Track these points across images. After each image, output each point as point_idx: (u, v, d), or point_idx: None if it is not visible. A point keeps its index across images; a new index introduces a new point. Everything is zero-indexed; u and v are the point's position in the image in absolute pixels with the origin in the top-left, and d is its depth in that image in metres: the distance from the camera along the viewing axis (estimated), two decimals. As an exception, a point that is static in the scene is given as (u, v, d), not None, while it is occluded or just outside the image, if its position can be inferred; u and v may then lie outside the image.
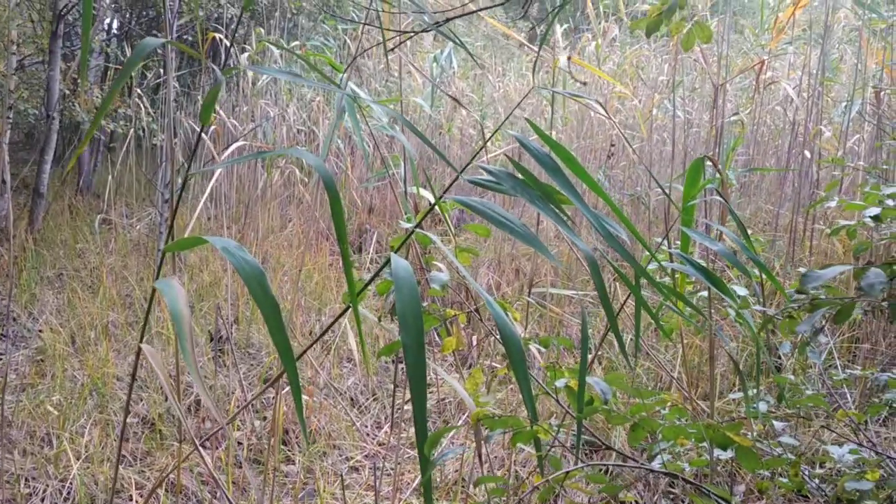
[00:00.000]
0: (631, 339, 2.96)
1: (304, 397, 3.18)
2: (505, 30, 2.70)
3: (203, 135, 3.86)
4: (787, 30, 3.67)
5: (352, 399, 3.51)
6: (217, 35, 4.35)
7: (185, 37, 6.20)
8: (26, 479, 2.61)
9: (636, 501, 1.61)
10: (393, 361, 4.11)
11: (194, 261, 4.54)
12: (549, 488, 1.17)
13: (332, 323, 1.32)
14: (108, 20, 8.98)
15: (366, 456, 3.08)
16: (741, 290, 1.60)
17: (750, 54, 5.29)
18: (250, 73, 4.53)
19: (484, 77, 7.40)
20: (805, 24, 5.12)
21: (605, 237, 1.06)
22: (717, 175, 1.50)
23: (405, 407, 3.62)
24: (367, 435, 3.25)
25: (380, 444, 3.20)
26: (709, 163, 1.53)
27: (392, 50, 2.40)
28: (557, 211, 1.09)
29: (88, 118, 5.52)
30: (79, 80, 5.50)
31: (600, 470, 1.31)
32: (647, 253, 1.41)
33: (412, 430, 3.32)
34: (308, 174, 5.35)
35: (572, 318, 3.03)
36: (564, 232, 1.04)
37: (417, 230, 1.14)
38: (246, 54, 4.31)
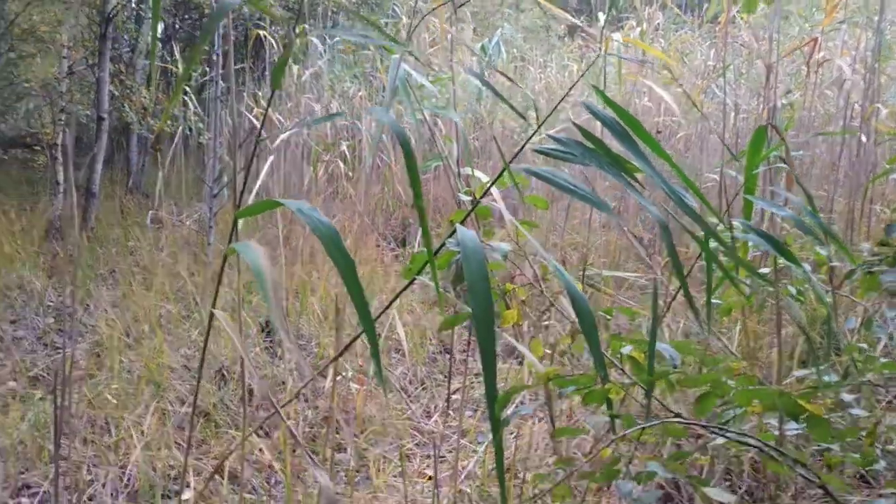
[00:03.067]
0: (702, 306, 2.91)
1: (354, 385, 3.20)
2: (555, 9, 2.67)
3: (255, 117, 3.90)
4: (840, 9, 3.58)
5: (402, 388, 3.52)
6: (261, 32, 4.40)
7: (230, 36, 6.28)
8: (87, 467, 2.66)
9: (710, 462, 1.57)
10: (441, 352, 4.11)
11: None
12: (614, 460, 1.15)
13: (397, 296, 1.32)
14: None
15: (416, 444, 3.08)
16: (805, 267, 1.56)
17: (798, 38, 5.18)
18: (295, 69, 4.59)
19: (525, 69, 7.36)
20: (855, 6, 4.99)
21: (675, 201, 1.04)
22: (781, 143, 1.46)
23: (454, 396, 3.63)
24: (418, 423, 3.26)
25: (430, 433, 3.21)
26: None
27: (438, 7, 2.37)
28: (627, 177, 1.08)
29: (137, 118, 5.63)
30: (127, 82, 5.62)
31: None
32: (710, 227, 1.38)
33: (463, 417, 3.32)
34: (353, 168, 5.38)
35: (625, 300, 3.00)
36: (636, 196, 1.02)
37: (480, 203, 1.14)
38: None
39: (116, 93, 5.56)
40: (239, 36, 6.05)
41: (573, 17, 3.63)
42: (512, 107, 1.05)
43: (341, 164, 5.26)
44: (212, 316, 1.13)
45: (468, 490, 2.58)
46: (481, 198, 1.13)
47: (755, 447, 1.09)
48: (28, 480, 2.69)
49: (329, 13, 6.63)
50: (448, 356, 4.11)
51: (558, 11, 3.40)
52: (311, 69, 4.69)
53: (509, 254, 1.22)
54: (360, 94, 5.57)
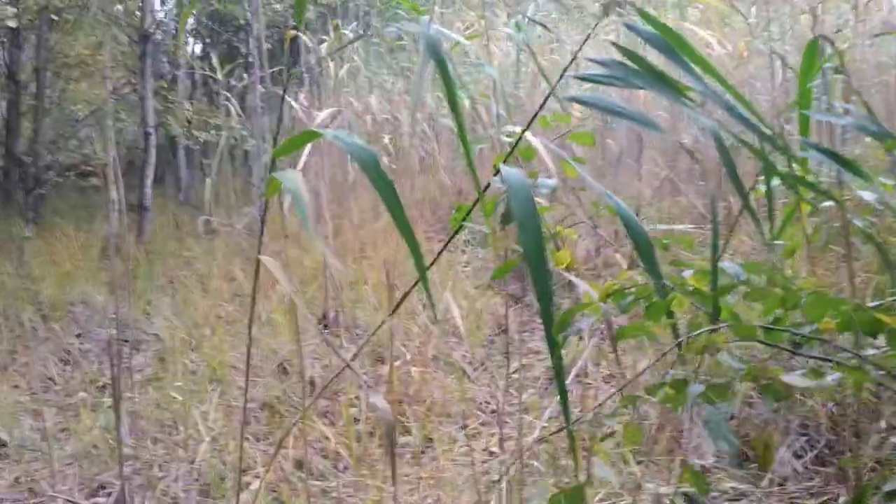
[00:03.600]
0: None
1: (414, 369, 3.19)
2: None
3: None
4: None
5: (462, 370, 3.49)
6: (296, 32, 4.42)
7: (265, 43, 6.37)
8: (159, 464, 2.71)
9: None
10: (498, 334, 4.07)
11: (295, 253, 4.64)
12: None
13: (450, 239, 1.29)
14: (189, 47, 9.33)
15: (481, 423, 3.05)
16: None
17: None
18: (331, 65, 4.62)
19: (559, 50, 7.26)
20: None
21: (728, 110, 0.99)
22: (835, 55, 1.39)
23: (514, 375, 3.59)
24: (480, 404, 3.23)
25: (493, 412, 3.17)
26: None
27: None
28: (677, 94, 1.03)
29: (183, 132, 5.74)
30: (169, 96, 5.73)
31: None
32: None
33: (524, 396, 3.28)
34: (396, 159, 5.38)
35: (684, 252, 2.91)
36: (686, 110, 0.98)
37: (523, 138, 1.10)
38: (324, 44, 4.38)
39: (160, 107, 5.68)
40: (274, 41, 6.13)
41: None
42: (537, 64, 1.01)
43: (385, 158, 5.26)
44: (258, 267, 1.11)
45: (535, 462, 2.54)
46: (523, 132, 1.09)
47: (842, 349, 1.03)
48: (103, 481, 2.75)
49: (361, 13, 6.66)
50: (506, 337, 4.08)
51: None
52: (347, 64, 4.71)
53: (557, 194, 1.19)
54: (397, 87, 5.57)
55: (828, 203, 1.67)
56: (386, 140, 5.16)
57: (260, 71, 4.60)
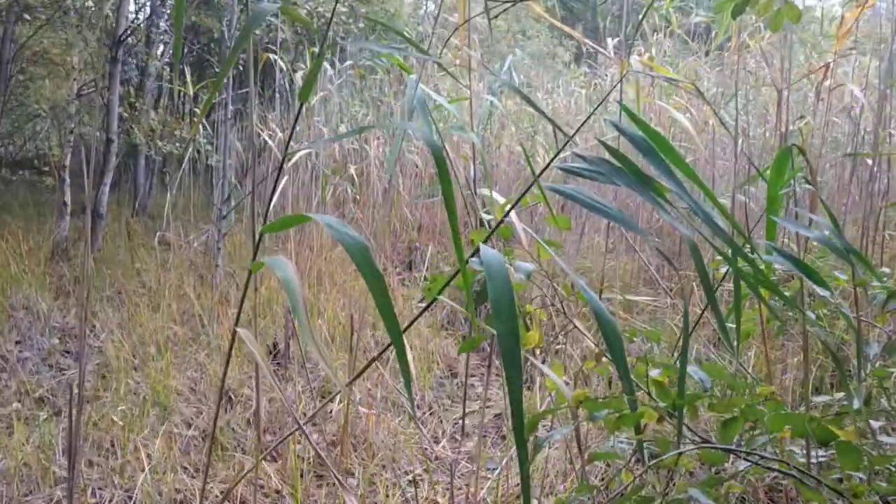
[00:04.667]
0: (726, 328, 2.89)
1: (363, 409, 3.16)
2: (558, 24, 2.64)
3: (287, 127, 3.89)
4: (849, 36, 3.59)
5: (407, 413, 3.48)
6: (271, 55, 4.43)
7: (239, 61, 6.32)
8: (93, 489, 2.62)
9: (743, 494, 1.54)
10: (448, 376, 4.08)
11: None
12: (637, 487, 1.12)
13: (415, 319, 1.30)
14: (160, 50, 9.23)
15: (425, 470, 3.04)
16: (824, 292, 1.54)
17: (807, 63, 5.20)
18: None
19: (532, 94, 7.40)
20: (863, 33, 5.01)
21: (705, 220, 1.02)
22: (804, 166, 1.45)
23: (460, 421, 3.59)
24: (426, 449, 3.22)
25: (437, 459, 3.16)
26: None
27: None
28: (656, 196, 1.06)
29: (146, 140, 5.65)
30: (137, 104, 5.64)
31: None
32: (725, 252, 1.36)
33: (470, 443, 3.28)
34: (360, 192, 5.38)
35: (641, 325, 2.97)
36: (664, 217, 1.01)
37: (503, 223, 1.12)
38: (300, 73, 4.38)
39: (126, 115, 5.59)
40: (247, 60, 6.09)
41: (582, 42, 3.64)
42: (554, 123, 1.04)
43: (349, 188, 5.26)
44: (234, 336, 1.11)
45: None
46: (504, 217, 1.11)
47: (789, 474, 1.06)
48: (31, 502, 2.65)
49: (337, 39, 6.67)
50: (455, 381, 4.08)
51: (574, 33, 3.39)
52: (321, 93, 4.71)
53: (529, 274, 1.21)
54: (368, 118, 5.59)
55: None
56: (352, 170, 5.17)
57: (231, 90, 4.56)
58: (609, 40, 4.66)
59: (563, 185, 1.08)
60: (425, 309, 1.26)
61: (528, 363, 1.70)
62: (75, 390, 1.75)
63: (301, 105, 1.19)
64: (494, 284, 0.98)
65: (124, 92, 5.75)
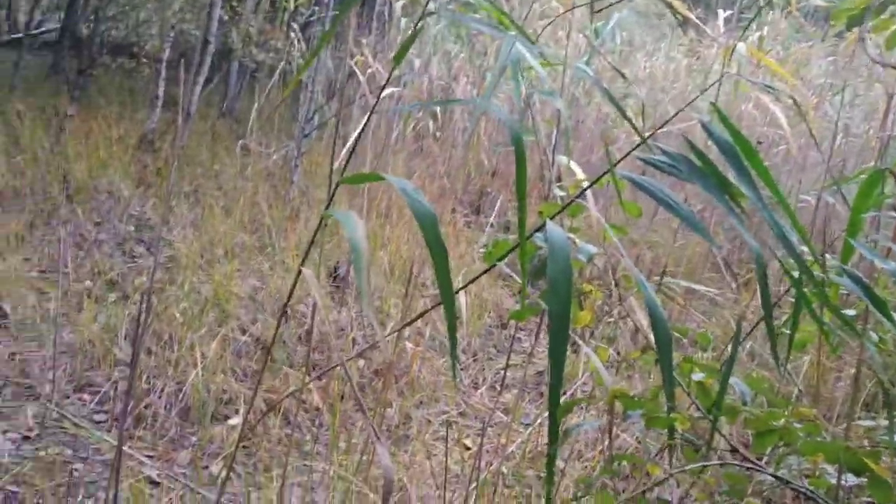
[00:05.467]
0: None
1: (409, 345, 3.24)
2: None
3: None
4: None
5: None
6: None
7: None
8: (147, 377, 2.77)
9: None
10: (498, 326, 4.11)
11: (317, 195, 4.67)
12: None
13: (473, 280, 1.32)
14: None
15: (460, 413, 3.11)
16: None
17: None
18: (403, 21, 4.59)
19: (631, 55, 7.18)
20: None
21: (779, 237, 1.00)
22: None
23: (502, 373, 3.65)
24: (464, 393, 3.29)
25: (473, 406, 3.23)
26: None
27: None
28: (731, 203, 1.05)
29: (241, 46, 5.72)
30: (238, 8, 5.70)
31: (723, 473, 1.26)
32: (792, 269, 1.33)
33: (508, 396, 3.33)
34: (441, 128, 5.38)
35: (696, 314, 2.94)
36: (738, 226, 0.99)
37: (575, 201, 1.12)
38: (400, 2, 4.35)
39: (226, 18, 5.66)
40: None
41: (690, 9, 3.50)
42: (626, 116, 1.03)
43: (430, 124, 5.26)
44: (304, 259, 1.14)
45: (504, 470, 2.59)
46: (577, 196, 1.11)
47: (815, 498, 1.06)
48: (91, 379, 2.83)
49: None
50: (503, 331, 4.12)
51: (677, 3, 3.27)
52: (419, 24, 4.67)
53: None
54: (461, 55, 5.54)
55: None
56: (436, 107, 5.15)
57: (331, 8, 4.57)
58: (720, 12, 4.47)
59: (638, 176, 1.07)
60: (483, 273, 1.28)
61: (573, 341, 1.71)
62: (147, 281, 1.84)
63: (397, 59, 1.20)
64: (555, 265, 0.99)
65: (228, -6, 5.81)
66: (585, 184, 1.17)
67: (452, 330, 0.89)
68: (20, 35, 8.95)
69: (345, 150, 2.81)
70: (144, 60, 6.94)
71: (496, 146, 5.34)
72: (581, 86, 5.97)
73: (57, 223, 4.14)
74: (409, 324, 1.55)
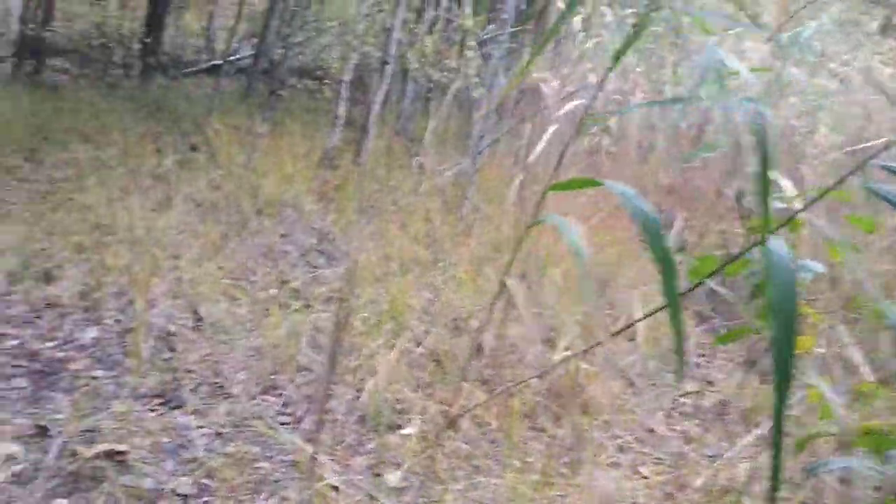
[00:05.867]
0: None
1: (585, 365, 3.14)
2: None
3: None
4: None
5: (628, 379, 3.42)
6: (551, -4, 4.37)
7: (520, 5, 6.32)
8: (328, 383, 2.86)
9: None
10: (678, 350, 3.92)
11: (489, 212, 4.69)
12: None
13: (683, 294, 1.23)
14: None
15: (636, 439, 2.98)
16: None
17: None
18: (580, 36, 4.53)
19: (821, 65, 6.70)
20: None
21: None
22: None
23: (681, 399, 3.46)
24: (642, 419, 3.15)
25: (650, 431, 3.08)
26: None
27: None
28: None
29: (418, 66, 5.89)
30: (416, 30, 5.87)
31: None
32: None
33: (687, 423, 3.16)
34: (615, 142, 5.25)
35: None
36: None
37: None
38: (579, 17, 4.30)
39: (404, 40, 5.84)
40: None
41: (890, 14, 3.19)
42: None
43: (605, 138, 5.15)
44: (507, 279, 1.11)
45: None
46: (801, 211, 1.00)
47: None
48: (276, 381, 2.96)
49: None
50: (683, 354, 3.92)
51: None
52: (594, 39, 4.60)
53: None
54: (637, 69, 5.39)
55: None
56: (612, 121, 5.04)
57: (507, 26, 4.59)
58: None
59: (883, 186, 0.95)
60: (690, 290, 1.19)
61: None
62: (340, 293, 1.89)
63: (609, 69, 1.14)
64: (778, 287, 0.90)
65: (405, 19, 6.00)
66: (816, 197, 1.06)
67: (679, 346, 0.82)
68: (219, 62, 9.71)
69: (533, 157, 2.78)
70: (327, 82, 7.32)
71: (675, 160, 5.13)
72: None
73: (247, 234, 4.41)
74: (591, 348, 1.47)
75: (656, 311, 1.46)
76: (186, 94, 9.14)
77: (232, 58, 11.00)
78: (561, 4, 4.45)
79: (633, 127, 5.05)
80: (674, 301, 0.81)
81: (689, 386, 3.62)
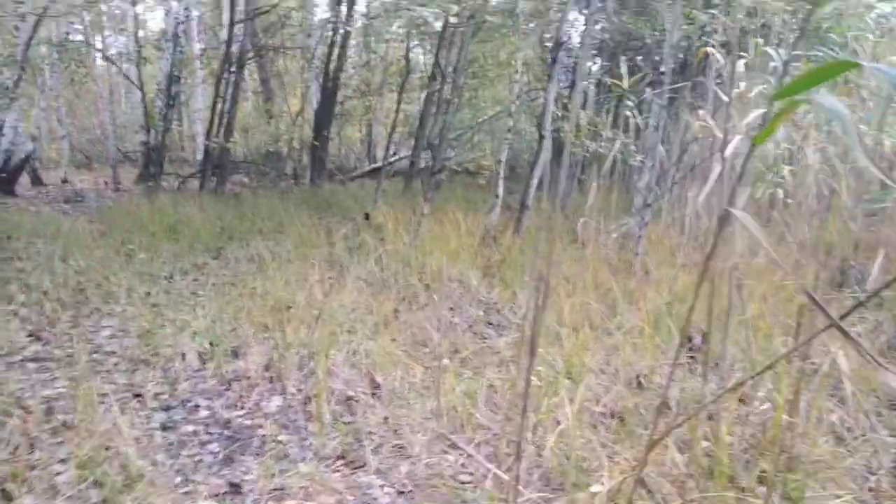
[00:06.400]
0: None
1: (786, 418, 2.86)
2: None
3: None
4: None
5: (836, 434, 3.07)
6: (709, 49, 4.28)
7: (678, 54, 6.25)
8: (507, 440, 2.77)
9: None
10: (890, 407, 3.50)
11: (666, 273, 4.50)
12: None
13: None
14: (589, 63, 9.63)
15: (856, 499, 2.63)
16: None
17: None
18: (742, 84, 4.37)
19: None
20: None
21: None
22: None
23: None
24: (857, 477, 2.80)
25: (873, 491, 2.73)
26: None
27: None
28: None
29: (573, 138, 5.91)
30: (569, 105, 5.93)
31: None
32: None
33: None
34: (793, 193, 4.94)
35: None
36: None
37: None
38: (742, 61, 4.15)
39: (558, 114, 5.91)
40: (687, 55, 6.02)
41: None
42: None
43: (779, 190, 4.86)
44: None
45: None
46: None
47: None
48: (455, 441, 2.90)
49: (787, 34, 6.21)
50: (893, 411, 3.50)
51: None
52: (761, 86, 4.42)
53: None
54: (808, 116, 5.09)
55: None
56: (786, 171, 4.76)
57: (663, 92, 4.51)
58: None
59: None
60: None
61: None
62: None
63: (755, 142, 1.05)
64: None
65: (558, 93, 6.08)
66: None
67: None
68: (379, 165, 10.25)
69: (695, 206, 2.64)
70: (480, 171, 7.50)
71: (862, 203, 4.74)
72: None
73: (417, 308, 4.47)
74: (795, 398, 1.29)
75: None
76: (353, 194, 9.67)
77: (392, 160, 11.60)
78: (719, 57, 4.34)
79: (809, 177, 4.74)
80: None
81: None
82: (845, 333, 0.79)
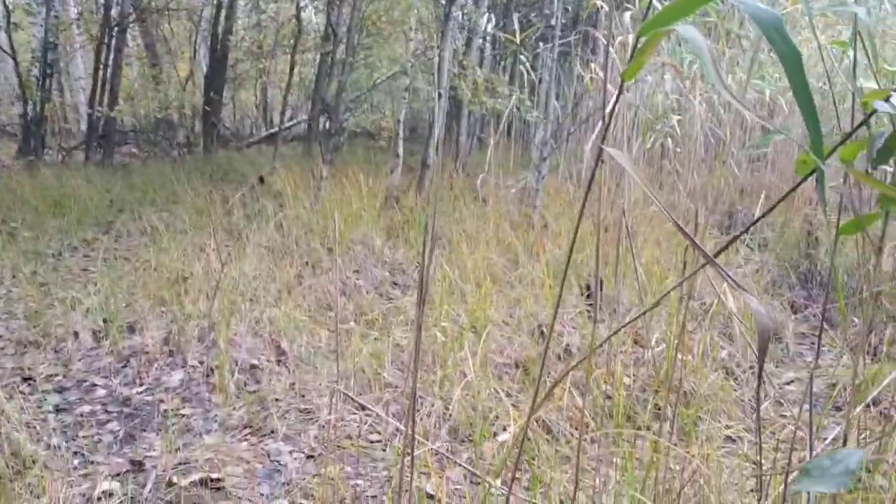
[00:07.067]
0: None
1: (681, 356, 2.99)
2: None
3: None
4: None
5: (726, 369, 3.25)
6: (598, 2, 4.34)
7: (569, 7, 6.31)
8: (415, 395, 2.80)
9: None
10: (774, 340, 3.73)
11: (564, 225, 4.60)
12: None
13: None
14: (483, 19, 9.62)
15: (745, 428, 2.80)
16: None
17: None
18: (630, 37, 4.45)
19: None
20: None
21: None
22: None
23: (788, 387, 3.28)
24: (745, 407, 2.98)
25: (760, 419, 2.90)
26: None
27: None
28: None
29: (470, 96, 5.91)
30: (464, 62, 5.92)
31: None
32: None
33: (796, 410, 2.96)
34: (681, 143, 5.12)
35: None
36: None
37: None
38: (629, 13, 4.24)
39: (455, 72, 5.89)
40: (578, 9, 6.09)
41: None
42: None
43: (668, 140, 5.02)
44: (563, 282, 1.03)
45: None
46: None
47: None
48: (363, 401, 2.91)
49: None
50: (780, 345, 3.73)
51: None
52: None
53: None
54: (694, 66, 5.27)
55: None
56: (674, 121, 4.92)
57: (554, 50, 4.56)
58: None
59: None
60: (796, 186, 1.08)
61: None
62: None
63: (623, 78, 1.08)
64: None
65: (454, 51, 6.06)
66: None
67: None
68: (275, 130, 10.00)
69: (589, 159, 2.70)
70: (381, 140, 7.42)
71: (745, 149, 4.95)
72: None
73: (320, 272, 4.43)
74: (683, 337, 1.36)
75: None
76: (250, 161, 9.41)
77: (289, 123, 11.33)
78: (607, 9, 4.41)
79: (697, 125, 4.92)
80: (804, 90, 0.72)
81: (793, 373, 3.43)
82: (716, 266, 0.83)
